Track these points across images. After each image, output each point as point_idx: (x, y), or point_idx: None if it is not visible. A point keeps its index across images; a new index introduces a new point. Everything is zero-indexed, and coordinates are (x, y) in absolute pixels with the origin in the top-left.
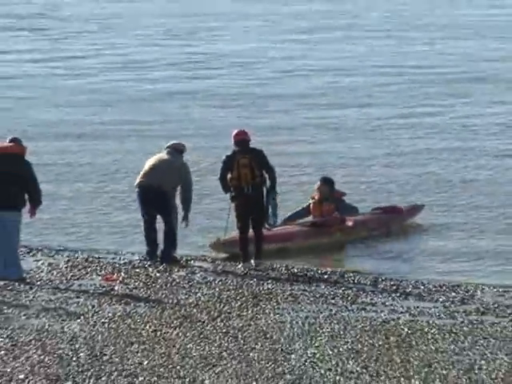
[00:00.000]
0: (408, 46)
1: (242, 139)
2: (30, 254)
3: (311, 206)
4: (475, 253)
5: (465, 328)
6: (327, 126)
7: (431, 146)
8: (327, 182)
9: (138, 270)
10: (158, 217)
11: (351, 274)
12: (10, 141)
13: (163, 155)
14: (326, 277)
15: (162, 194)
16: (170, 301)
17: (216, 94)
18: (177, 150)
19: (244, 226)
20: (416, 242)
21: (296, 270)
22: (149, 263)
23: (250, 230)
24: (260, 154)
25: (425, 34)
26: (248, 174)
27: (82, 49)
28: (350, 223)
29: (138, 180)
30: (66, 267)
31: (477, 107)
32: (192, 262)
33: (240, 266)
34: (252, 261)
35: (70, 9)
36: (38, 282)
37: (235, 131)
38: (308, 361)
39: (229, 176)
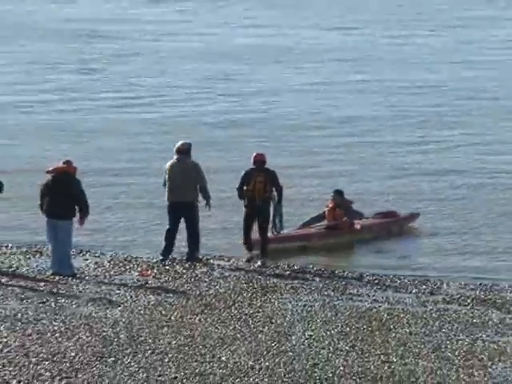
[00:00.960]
0: (403, 87)
1: (259, 160)
2: (80, 254)
3: (326, 212)
4: (448, 255)
5: (433, 314)
6: (339, 152)
7: (425, 169)
8: (339, 193)
9: (167, 267)
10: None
11: (341, 270)
12: (64, 162)
13: (180, 165)
14: (320, 272)
15: (189, 207)
16: (194, 292)
17: (250, 125)
18: (184, 153)
19: (248, 227)
20: (407, 244)
21: (296, 268)
22: (166, 262)
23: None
24: (273, 174)
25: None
26: (261, 188)
27: (139, 89)
28: (358, 226)
29: (168, 196)
30: (109, 265)
31: (459, 136)
32: (212, 260)
33: (246, 257)
34: (259, 261)
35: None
36: (87, 277)
37: (255, 153)
38: (306, 341)
39: (245, 187)
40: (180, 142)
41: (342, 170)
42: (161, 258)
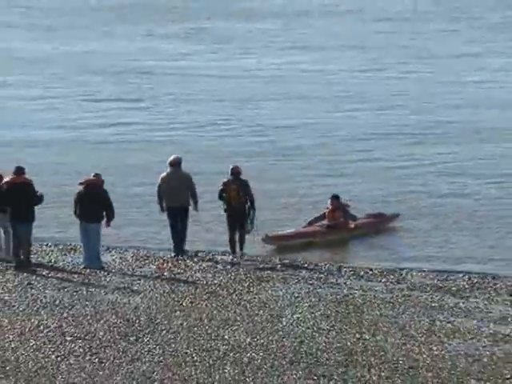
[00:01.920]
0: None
1: (235, 172)
2: (108, 251)
3: (326, 213)
4: (416, 251)
5: (399, 300)
6: (338, 169)
7: (408, 183)
8: (336, 197)
9: (180, 262)
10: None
11: (323, 263)
12: (94, 175)
13: (175, 175)
14: (305, 265)
15: (184, 210)
16: (201, 282)
17: (267, 151)
18: (177, 165)
19: (232, 228)
20: (384, 240)
21: (286, 261)
22: (177, 256)
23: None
24: (245, 183)
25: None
26: (235, 195)
27: (172, 122)
28: (352, 225)
29: (166, 202)
30: (132, 260)
31: (431, 157)
32: (216, 256)
33: (230, 256)
34: (238, 253)
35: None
36: (113, 270)
37: (231, 166)
38: (294, 322)
39: (224, 195)
40: (173, 156)
41: (341, 182)
42: (173, 254)
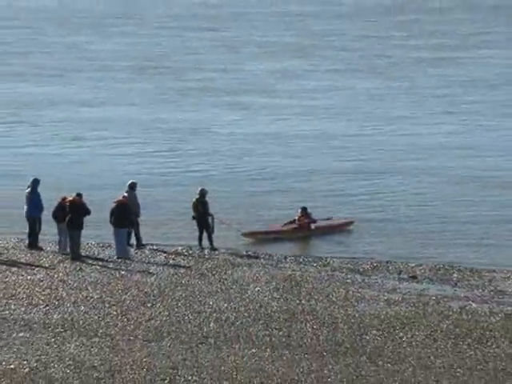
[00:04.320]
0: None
1: (200, 193)
2: (132, 247)
3: (296, 218)
4: (343, 246)
5: (325, 277)
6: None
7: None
8: (304, 209)
9: (180, 252)
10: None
11: (274, 254)
12: (123, 197)
13: (129, 194)
14: (263, 255)
15: (135, 217)
16: (195, 266)
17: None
18: (130, 187)
19: (200, 231)
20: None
21: (250, 253)
22: (182, 248)
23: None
24: (203, 202)
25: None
26: (196, 208)
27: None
28: (312, 227)
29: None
30: (148, 252)
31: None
32: (204, 250)
33: (198, 248)
34: (208, 248)
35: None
36: (135, 259)
37: (200, 187)
38: (255, 293)
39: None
40: (130, 181)
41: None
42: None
